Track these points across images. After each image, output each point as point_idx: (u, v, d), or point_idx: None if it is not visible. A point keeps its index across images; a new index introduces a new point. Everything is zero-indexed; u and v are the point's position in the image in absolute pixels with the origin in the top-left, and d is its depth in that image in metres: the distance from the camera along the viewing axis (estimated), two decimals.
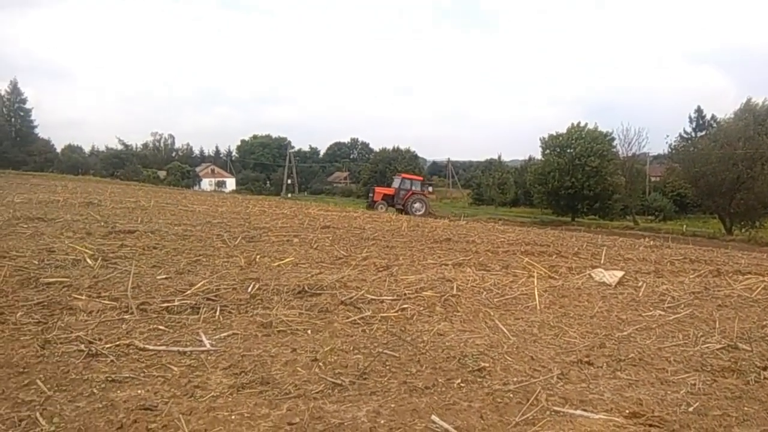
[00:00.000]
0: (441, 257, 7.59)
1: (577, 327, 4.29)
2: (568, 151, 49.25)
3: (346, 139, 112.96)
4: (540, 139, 52.72)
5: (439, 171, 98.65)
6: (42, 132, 66.48)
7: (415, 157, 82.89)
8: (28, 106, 63.57)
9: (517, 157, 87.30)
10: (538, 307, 4.82)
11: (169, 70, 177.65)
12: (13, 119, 61.99)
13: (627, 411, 2.70)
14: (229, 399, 2.59)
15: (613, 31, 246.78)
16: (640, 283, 6.18)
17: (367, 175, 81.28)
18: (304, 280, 5.26)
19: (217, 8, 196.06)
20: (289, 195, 64.30)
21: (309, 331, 3.73)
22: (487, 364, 3.25)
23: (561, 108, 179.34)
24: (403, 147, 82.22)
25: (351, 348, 3.41)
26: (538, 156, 56.42)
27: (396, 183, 39.46)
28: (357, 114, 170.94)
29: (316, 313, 4.24)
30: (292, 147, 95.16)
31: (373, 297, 4.79)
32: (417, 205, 36.54)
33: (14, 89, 62.66)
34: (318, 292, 4.87)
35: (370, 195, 39.19)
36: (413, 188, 38.08)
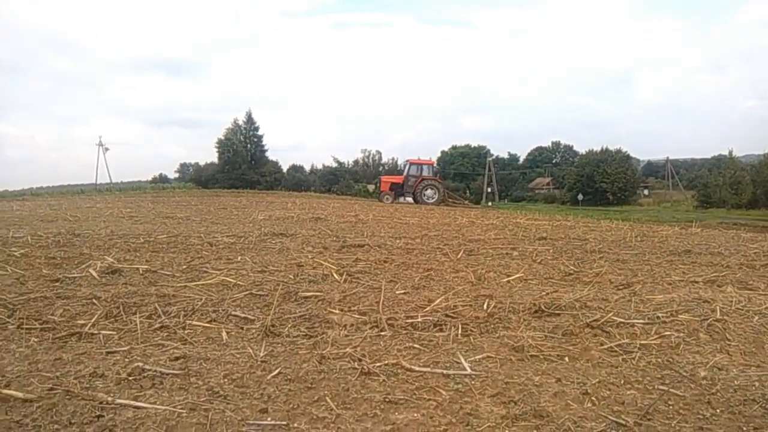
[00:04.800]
0: (686, 273, 6.76)
1: None
2: None
3: (547, 143, 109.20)
4: None
5: (655, 171, 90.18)
6: (271, 155, 75.22)
7: (627, 157, 76.71)
8: (260, 132, 72.58)
9: (753, 151, 75.39)
10: None
11: (376, 91, 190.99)
12: (248, 145, 71.16)
13: None
14: None
15: None
16: None
17: (573, 179, 77.50)
18: (539, 299, 5.04)
19: (416, 24, 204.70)
20: (490, 203, 63.93)
21: (566, 359, 3.52)
22: None
23: None
24: (612, 147, 76.92)
25: (621, 381, 3.11)
26: None
27: (405, 170, 36.18)
28: (559, 115, 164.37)
29: (560, 336, 4.01)
30: (491, 155, 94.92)
31: (621, 320, 4.39)
32: (429, 191, 33.19)
33: (249, 119, 72.00)
34: (557, 312, 4.62)
35: (378, 185, 36.65)
36: (424, 174, 34.47)
